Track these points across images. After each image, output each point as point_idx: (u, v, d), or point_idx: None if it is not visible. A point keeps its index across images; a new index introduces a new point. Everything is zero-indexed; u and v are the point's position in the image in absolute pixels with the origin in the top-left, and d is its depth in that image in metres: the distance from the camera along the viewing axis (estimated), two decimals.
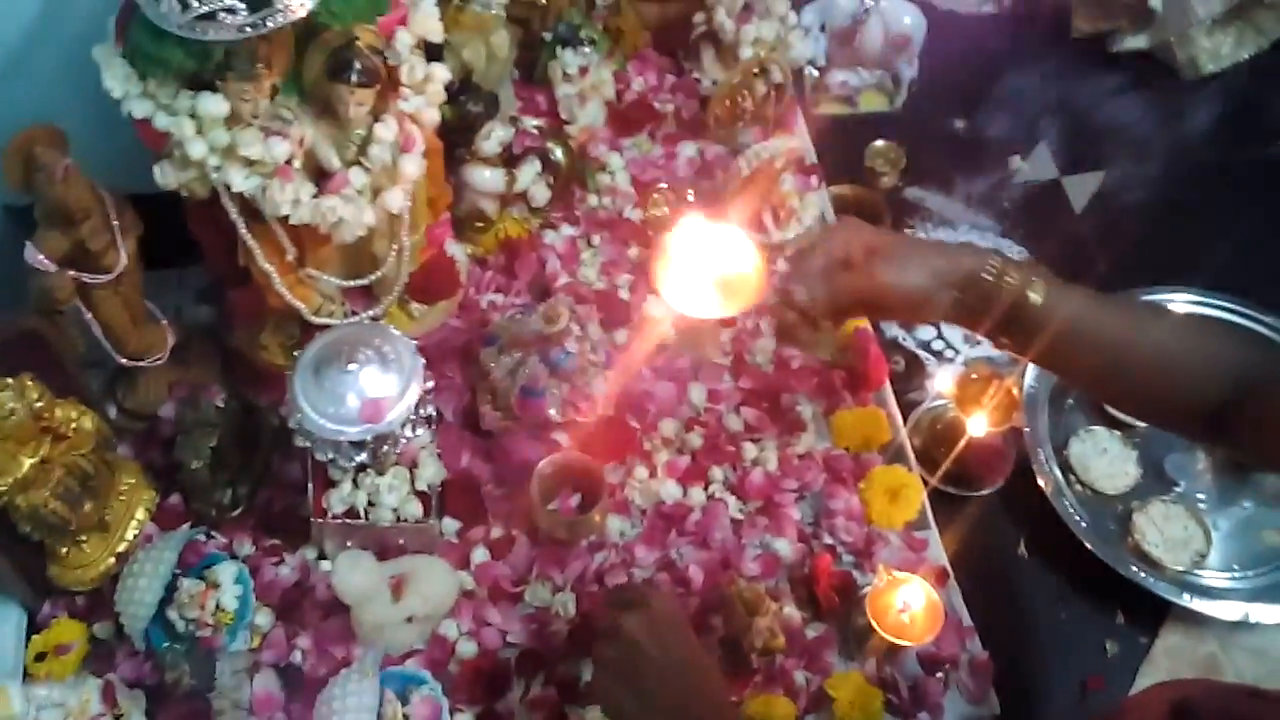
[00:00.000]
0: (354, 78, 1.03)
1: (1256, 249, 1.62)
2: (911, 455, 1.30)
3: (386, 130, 1.06)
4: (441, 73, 1.10)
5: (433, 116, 1.10)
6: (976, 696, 1.14)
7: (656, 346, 1.32)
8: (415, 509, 1.15)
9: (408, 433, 1.10)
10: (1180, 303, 1.52)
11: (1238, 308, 1.50)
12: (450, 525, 1.20)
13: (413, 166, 1.08)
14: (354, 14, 1.00)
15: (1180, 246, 1.61)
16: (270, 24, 0.93)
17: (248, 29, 0.93)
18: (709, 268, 1.16)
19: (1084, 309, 0.93)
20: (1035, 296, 0.92)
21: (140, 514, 1.17)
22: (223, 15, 0.92)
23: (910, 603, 1.13)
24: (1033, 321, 0.93)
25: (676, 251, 1.15)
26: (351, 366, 1.06)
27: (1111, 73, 1.80)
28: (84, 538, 1.12)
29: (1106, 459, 1.43)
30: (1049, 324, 0.92)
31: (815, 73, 1.68)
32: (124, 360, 1.18)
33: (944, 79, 1.76)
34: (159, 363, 1.22)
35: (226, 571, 1.12)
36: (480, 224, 1.35)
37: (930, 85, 1.74)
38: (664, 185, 1.38)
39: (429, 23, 1.08)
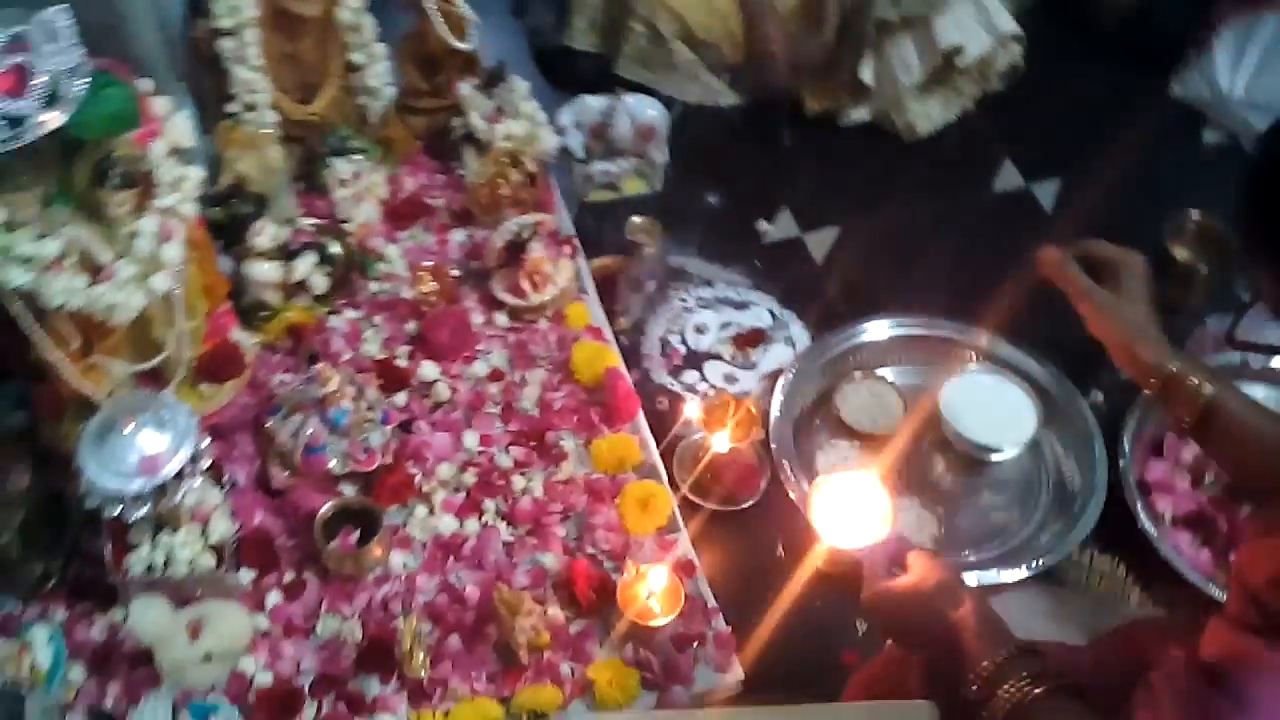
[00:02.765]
0: (114, 182, 1.21)
1: (977, 278, 1.85)
2: (662, 471, 1.47)
3: (148, 224, 1.23)
4: (195, 173, 1.28)
5: (189, 210, 1.27)
6: (722, 665, 1.29)
7: (431, 400, 1.49)
8: (209, 561, 1.28)
9: (188, 485, 1.24)
10: (912, 329, 1.75)
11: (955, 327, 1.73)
12: (246, 576, 1.33)
13: (174, 253, 1.24)
14: (103, 129, 1.18)
15: (910, 283, 1.85)
16: (26, 138, 1.10)
17: (8, 144, 1.10)
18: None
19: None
20: None
21: None
22: None
23: (654, 588, 1.29)
24: None
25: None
26: (128, 430, 1.20)
27: (842, 142, 2.06)
28: None
29: (847, 466, 1.62)
30: None
31: (577, 166, 1.91)
32: None
33: (696, 162, 2.00)
34: None
35: (39, 633, 1.23)
36: (265, 313, 1.52)
37: (685, 168, 1.98)
38: (428, 263, 1.56)
39: (181, 132, 1.27)
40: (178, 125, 1.27)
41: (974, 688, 1.02)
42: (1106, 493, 1.57)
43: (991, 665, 1.03)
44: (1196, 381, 1.18)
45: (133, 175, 1.22)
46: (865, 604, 1.16)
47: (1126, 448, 1.60)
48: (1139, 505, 1.55)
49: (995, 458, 1.61)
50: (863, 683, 1.31)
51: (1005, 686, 1.01)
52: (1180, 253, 1.81)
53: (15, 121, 1.10)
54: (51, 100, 1.12)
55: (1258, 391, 1.69)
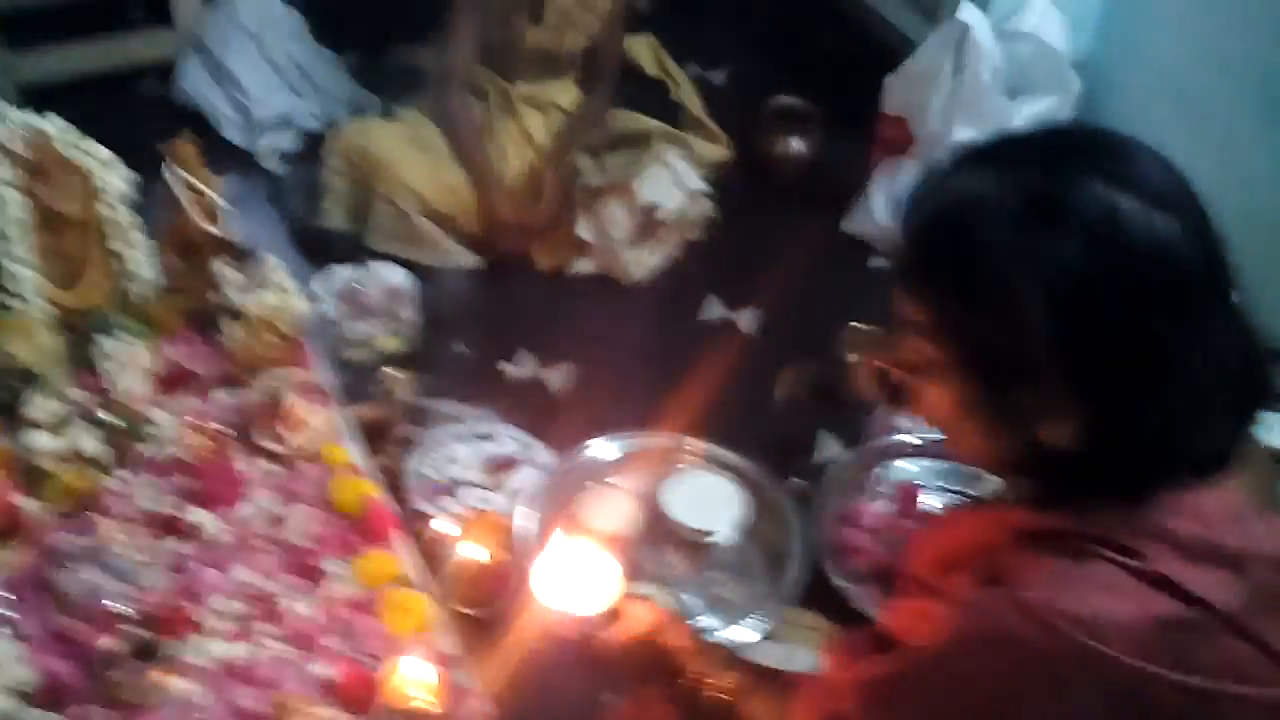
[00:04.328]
0: None
1: (690, 393, 2.16)
2: (422, 581, 1.67)
3: None
4: None
5: None
6: None
7: (203, 543, 1.65)
8: (10, 705, 1.40)
9: None
10: (636, 442, 2.01)
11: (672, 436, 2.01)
12: (45, 715, 1.44)
13: None
14: None
15: (636, 404, 2.13)
16: None
17: None
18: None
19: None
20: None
21: None
22: None
23: (411, 677, 1.47)
24: None
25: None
26: None
27: (571, 291, 2.37)
28: None
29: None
30: None
31: (338, 325, 2.13)
32: None
33: (443, 317, 2.26)
34: None
35: None
36: (44, 479, 1.66)
37: (434, 323, 2.24)
38: (194, 422, 1.74)
39: None
40: None
41: (684, 685, 1.28)
42: (809, 559, 1.86)
43: (701, 666, 1.29)
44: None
45: None
46: (597, 656, 1.39)
47: (819, 520, 1.90)
48: (832, 567, 1.85)
49: (713, 540, 1.88)
50: None
51: (710, 680, 1.27)
52: (851, 357, 2.17)
53: None
54: None
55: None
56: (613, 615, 1.41)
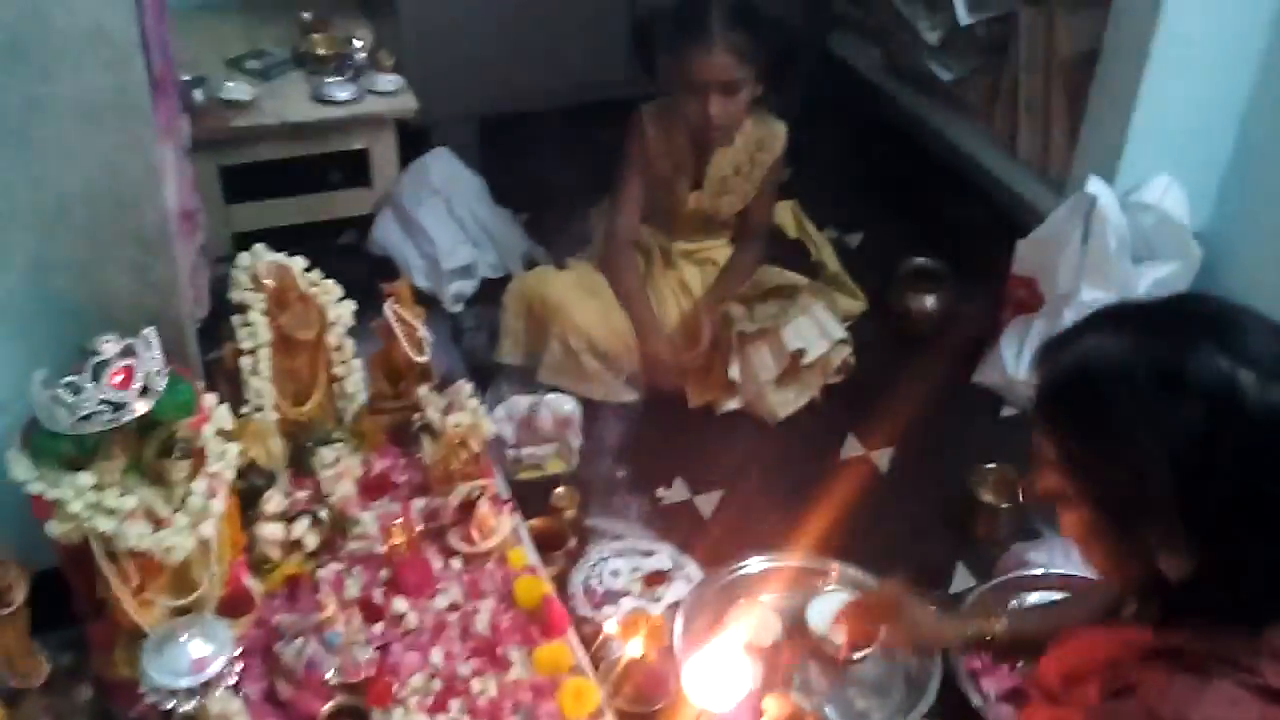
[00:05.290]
0: (178, 454, 1.63)
1: (829, 523, 2.33)
2: (590, 672, 1.85)
3: (199, 485, 1.65)
4: (233, 449, 1.71)
5: (229, 476, 1.69)
6: None
7: (403, 628, 1.86)
8: None
9: (224, 686, 1.59)
10: (782, 562, 2.19)
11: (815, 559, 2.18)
12: None
13: (218, 506, 1.66)
14: (173, 413, 1.62)
15: (779, 530, 2.31)
16: (124, 418, 1.54)
17: (110, 423, 1.53)
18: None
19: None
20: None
21: None
22: (94, 416, 1.52)
23: None
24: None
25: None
26: (182, 639, 1.57)
27: (719, 427, 2.59)
28: None
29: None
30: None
31: (510, 451, 2.37)
32: (13, 683, 1.64)
33: (608, 445, 2.49)
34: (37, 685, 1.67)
35: None
36: (268, 565, 1.91)
37: (597, 450, 2.47)
38: (398, 521, 1.98)
39: (223, 418, 1.72)
40: (221, 413, 1.72)
41: None
42: (945, 680, 1.98)
43: None
44: (986, 629, 1.67)
45: (190, 448, 1.65)
46: None
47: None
48: (968, 688, 1.97)
49: (855, 658, 2.02)
50: None
51: None
52: (984, 497, 2.32)
53: (117, 406, 1.54)
54: (144, 393, 1.57)
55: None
56: (758, 713, 1.59)
